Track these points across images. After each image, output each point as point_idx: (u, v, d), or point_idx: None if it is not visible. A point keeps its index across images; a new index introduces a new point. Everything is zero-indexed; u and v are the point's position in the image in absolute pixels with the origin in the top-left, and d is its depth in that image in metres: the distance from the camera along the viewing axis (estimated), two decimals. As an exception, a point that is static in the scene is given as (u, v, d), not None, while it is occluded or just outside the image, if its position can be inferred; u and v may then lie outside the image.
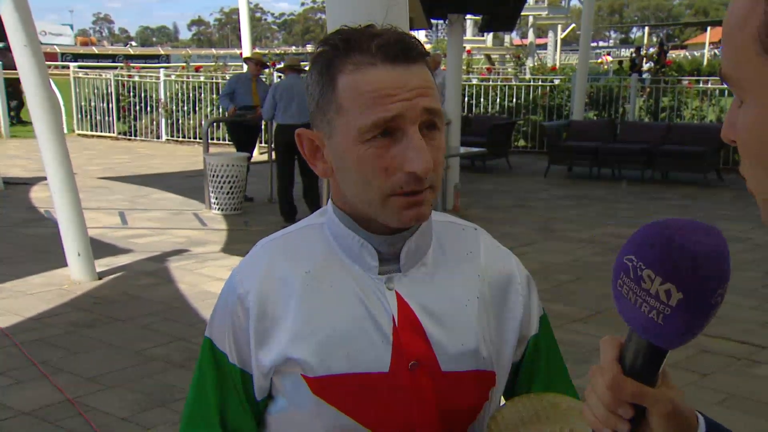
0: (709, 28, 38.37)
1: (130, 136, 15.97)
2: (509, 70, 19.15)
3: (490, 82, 15.32)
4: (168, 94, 15.52)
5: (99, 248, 6.86)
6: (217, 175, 8.74)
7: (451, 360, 1.13)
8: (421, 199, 1.07)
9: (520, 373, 1.26)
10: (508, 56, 25.46)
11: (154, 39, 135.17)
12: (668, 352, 0.79)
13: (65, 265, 6.28)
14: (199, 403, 1.18)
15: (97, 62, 30.81)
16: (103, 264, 6.58)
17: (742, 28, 0.69)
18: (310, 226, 1.20)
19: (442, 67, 13.25)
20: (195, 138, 15.07)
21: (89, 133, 16.36)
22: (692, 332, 0.76)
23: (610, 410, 0.80)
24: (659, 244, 0.74)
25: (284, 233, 1.21)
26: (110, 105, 15.95)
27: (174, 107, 15.50)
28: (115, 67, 20.11)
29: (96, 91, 16.15)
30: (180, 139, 15.51)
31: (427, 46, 35.17)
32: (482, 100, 14.93)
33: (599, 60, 26.43)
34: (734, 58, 0.71)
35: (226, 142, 13.34)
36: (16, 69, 6.24)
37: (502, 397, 1.25)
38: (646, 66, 21.32)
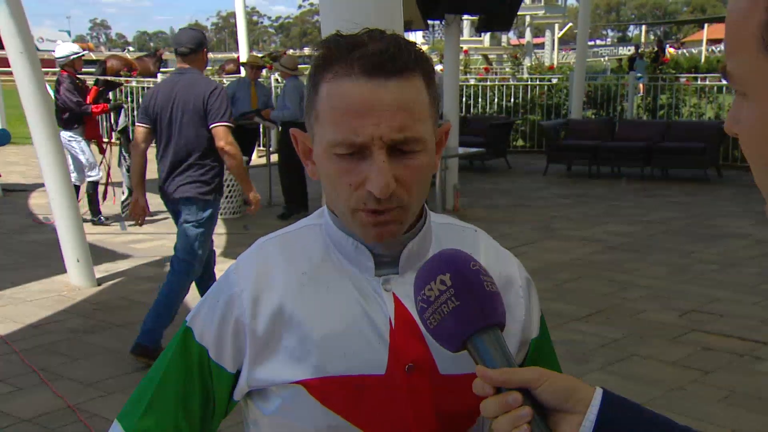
0: (706, 25, 38.29)
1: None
2: (507, 69, 19.17)
3: (488, 82, 15.32)
4: (166, 98, 15.46)
5: (98, 254, 6.85)
6: (216, 179, 8.71)
7: (449, 362, 1.11)
8: (387, 219, 1.06)
9: None
10: (505, 56, 25.49)
11: (152, 44, 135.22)
12: (495, 330, 0.91)
13: (64, 271, 6.27)
14: (163, 391, 1.16)
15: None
16: (102, 270, 6.57)
17: (742, 26, 0.68)
18: (309, 226, 1.19)
19: (439, 68, 13.26)
20: (193, 142, 15.02)
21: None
22: (462, 315, 0.90)
23: (503, 410, 0.85)
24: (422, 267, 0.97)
25: (283, 233, 1.20)
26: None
27: (172, 112, 15.45)
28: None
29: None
30: (178, 143, 15.46)
31: (424, 47, 35.16)
32: (480, 100, 14.93)
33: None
34: (735, 56, 0.70)
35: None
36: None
37: None
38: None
